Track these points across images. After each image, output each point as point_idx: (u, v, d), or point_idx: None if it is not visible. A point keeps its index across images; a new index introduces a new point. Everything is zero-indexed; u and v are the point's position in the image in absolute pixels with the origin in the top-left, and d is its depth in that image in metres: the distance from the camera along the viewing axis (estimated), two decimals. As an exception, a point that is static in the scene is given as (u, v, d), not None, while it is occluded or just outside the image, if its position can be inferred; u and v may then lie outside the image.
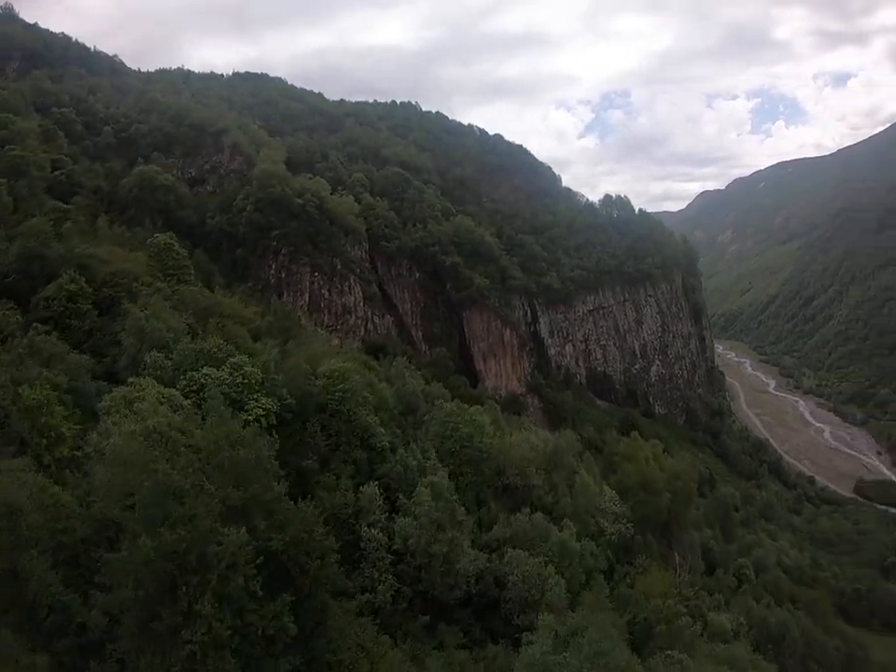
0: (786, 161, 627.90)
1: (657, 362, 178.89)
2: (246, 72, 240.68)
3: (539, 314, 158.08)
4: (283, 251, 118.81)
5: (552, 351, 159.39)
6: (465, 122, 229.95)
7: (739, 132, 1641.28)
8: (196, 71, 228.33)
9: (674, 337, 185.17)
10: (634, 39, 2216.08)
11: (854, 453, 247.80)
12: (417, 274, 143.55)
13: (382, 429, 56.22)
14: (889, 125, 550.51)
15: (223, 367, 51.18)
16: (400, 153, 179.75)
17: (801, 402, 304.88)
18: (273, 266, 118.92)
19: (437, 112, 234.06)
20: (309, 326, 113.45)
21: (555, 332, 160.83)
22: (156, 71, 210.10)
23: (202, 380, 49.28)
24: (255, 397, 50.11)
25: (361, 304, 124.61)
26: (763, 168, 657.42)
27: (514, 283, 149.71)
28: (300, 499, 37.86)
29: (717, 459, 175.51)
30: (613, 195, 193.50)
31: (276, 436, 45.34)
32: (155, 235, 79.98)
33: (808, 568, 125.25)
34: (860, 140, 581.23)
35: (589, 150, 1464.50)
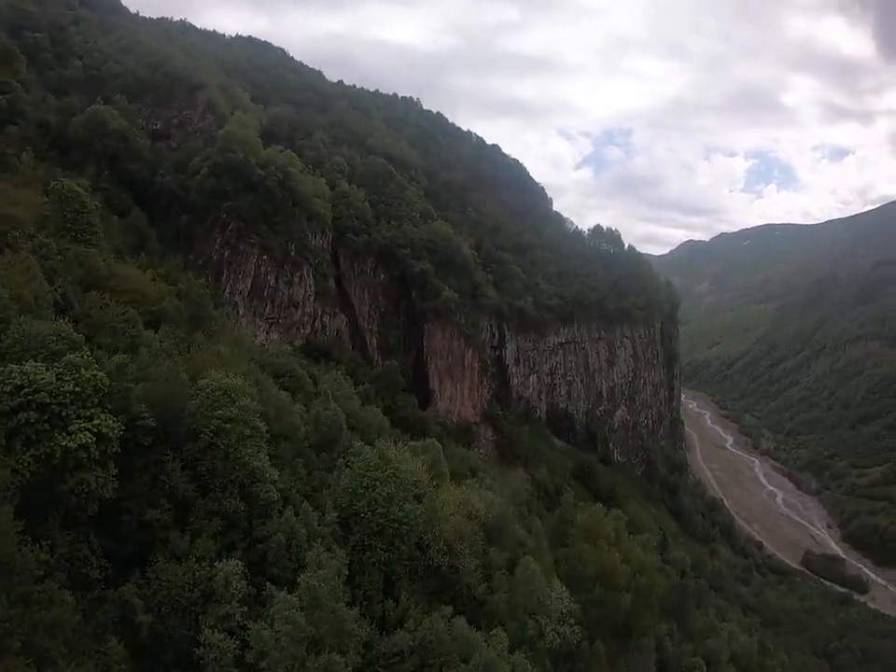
0: (774, 224, 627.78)
1: (623, 407, 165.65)
2: (249, 36, 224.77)
3: (506, 338, 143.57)
4: (231, 226, 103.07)
5: (514, 380, 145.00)
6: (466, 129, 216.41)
7: (732, 188, 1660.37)
8: (198, 27, 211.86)
9: (644, 384, 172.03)
10: (645, 81, 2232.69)
11: (804, 522, 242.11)
12: (382, 276, 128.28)
13: (275, 472, 41.56)
14: (879, 205, 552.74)
15: (55, 365, 36.31)
16: (389, 145, 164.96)
17: (757, 463, 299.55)
18: (219, 241, 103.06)
19: (437, 112, 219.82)
20: (238, 315, 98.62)
21: (521, 361, 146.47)
22: (157, 19, 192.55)
23: (15, 380, 34.46)
24: (89, 413, 35.17)
25: (311, 299, 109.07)
26: (750, 227, 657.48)
27: (486, 301, 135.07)
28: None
29: (671, 517, 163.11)
30: (604, 227, 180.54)
31: (112, 471, 35.09)
32: (59, 179, 64.14)
33: (756, 655, 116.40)
34: (849, 215, 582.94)
35: (583, 182, 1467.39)
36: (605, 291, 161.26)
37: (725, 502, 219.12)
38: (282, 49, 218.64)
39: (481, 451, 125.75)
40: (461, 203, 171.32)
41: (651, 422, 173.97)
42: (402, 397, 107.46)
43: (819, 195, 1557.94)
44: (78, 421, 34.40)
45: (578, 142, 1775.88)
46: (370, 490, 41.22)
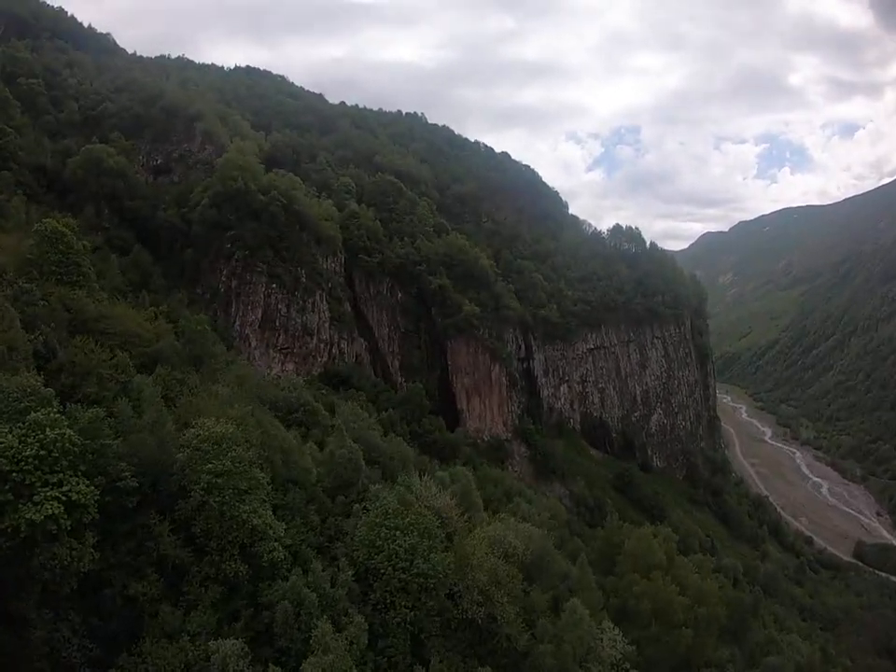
0: (791, 208, 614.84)
1: (659, 410, 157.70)
2: (248, 66, 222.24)
3: (533, 349, 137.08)
4: (236, 255, 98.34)
5: (545, 392, 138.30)
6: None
7: (745, 175, 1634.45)
8: (196, 62, 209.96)
9: (679, 384, 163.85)
10: (647, 76, 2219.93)
11: (853, 512, 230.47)
12: (399, 295, 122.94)
13: (282, 526, 36.10)
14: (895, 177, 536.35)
15: (18, 426, 31.38)
16: (396, 161, 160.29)
17: (798, 454, 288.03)
18: (225, 272, 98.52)
19: (443, 125, 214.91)
20: (251, 347, 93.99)
21: (550, 371, 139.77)
22: (155, 57, 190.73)
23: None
24: (57, 479, 30.03)
25: (326, 325, 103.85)
26: (767, 213, 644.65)
27: (509, 313, 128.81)
28: None
29: (717, 521, 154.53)
30: (623, 226, 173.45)
31: (90, 541, 30.31)
32: (42, 221, 59.76)
33: (819, 663, 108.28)
34: (865, 191, 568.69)
35: (596, 184, 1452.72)
36: (630, 292, 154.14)
37: (770, 498, 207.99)
38: (282, 77, 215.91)
39: (515, 469, 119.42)
40: (475, 215, 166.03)
41: (688, 423, 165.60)
42: (429, 420, 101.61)
43: (833, 174, 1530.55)
44: (45, 489, 29.29)
45: (587, 144, 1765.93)
46: (389, 542, 35.36)
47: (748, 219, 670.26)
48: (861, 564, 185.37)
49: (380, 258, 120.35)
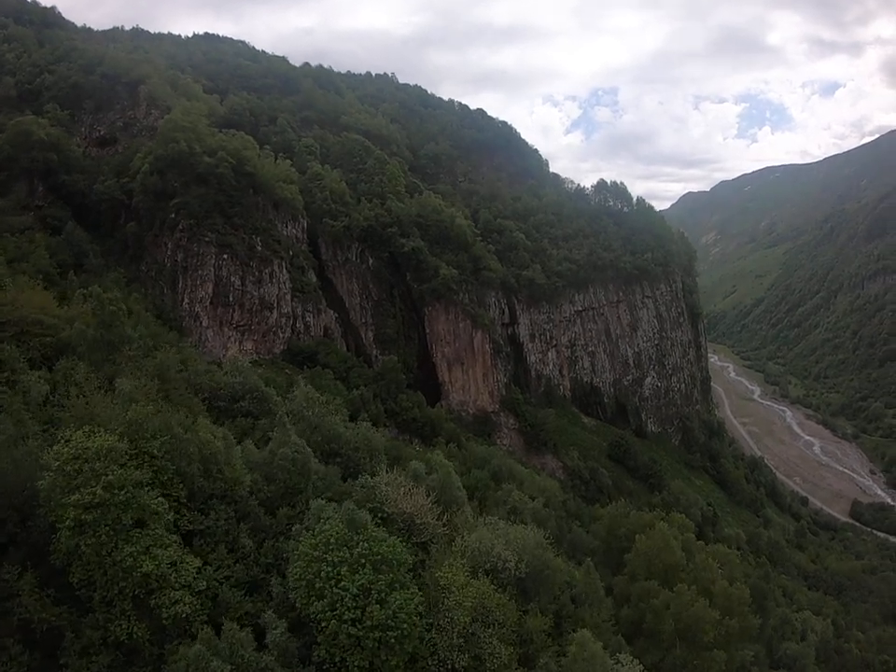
0: (772, 167, 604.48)
1: (652, 373, 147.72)
2: (206, 33, 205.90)
3: (518, 313, 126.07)
4: (180, 225, 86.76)
5: (531, 358, 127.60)
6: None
7: (725, 135, 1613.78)
8: (151, 31, 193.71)
9: (672, 345, 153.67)
10: (624, 36, 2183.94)
11: (846, 470, 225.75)
12: (370, 261, 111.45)
13: (195, 563, 25.67)
14: (877, 136, 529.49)
15: None
16: (365, 121, 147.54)
17: (788, 412, 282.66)
18: (169, 245, 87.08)
19: (415, 85, 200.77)
20: (201, 327, 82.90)
21: (537, 336, 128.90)
22: (107, 30, 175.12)
23: None
24: None
25: (288, 298, 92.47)
26: (748, 172, 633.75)
27: (490, 275, 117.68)
28: None
29: (715, 486, 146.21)
30: (608, 181, 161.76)
31: None
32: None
33: (833, 639, 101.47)
34: (846, 150, 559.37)
35: (574, 146, 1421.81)
36: (618, 249, 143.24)
37: (766, 460, 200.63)
38: (242, 42, 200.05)
39: (504, 442, 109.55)
40: (451, 175, 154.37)
41: (683, 385, 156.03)
42: (407, 396, 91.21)
43: (814, 133, 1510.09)
44: None
45: (565, 107, 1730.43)
46: (331, 585, 24.75)
47: (729, 179, 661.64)
48: (857, 524, 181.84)
49: (347, 221, 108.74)
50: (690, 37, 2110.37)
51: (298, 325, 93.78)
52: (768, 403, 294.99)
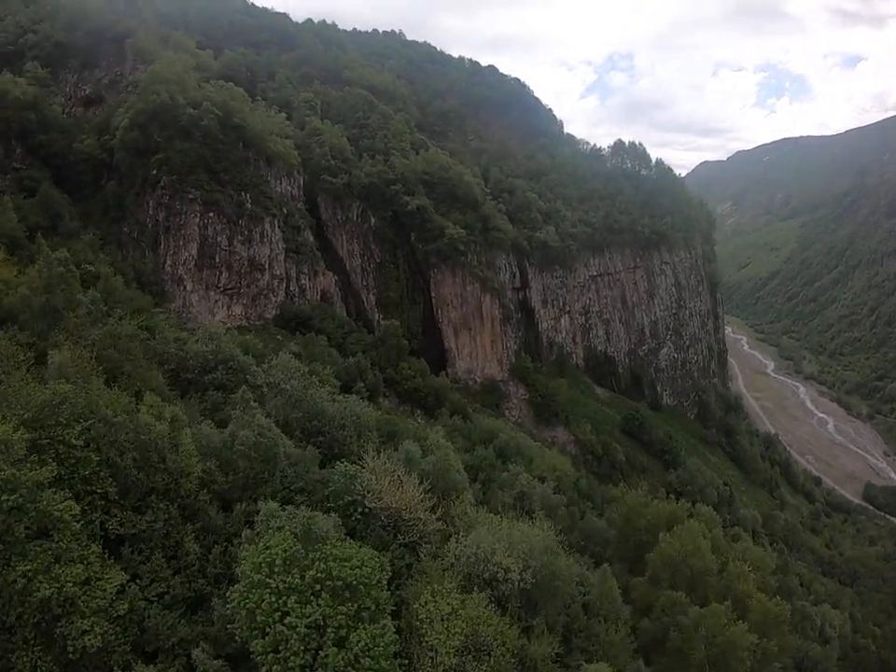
0: (791, 138, 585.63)
1: (669, 343, 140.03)
2: None
3: (529, 277, 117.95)
4: (162, 182, 79.25)
5: (543, 325, 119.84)
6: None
7: (743, 104, 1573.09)
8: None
9: (690, 315, 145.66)
10: (642, 1, 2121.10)
11: (860, 451, 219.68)
12: (373, 220, 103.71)
13: (117, 579, 19.91)
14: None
15: None
16: (369, 76, 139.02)
17: (801, 388, 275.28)
18: (151, 204, 79.62)
19: (424, 41, 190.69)
20: (185, 291, 76.13)
21: (549, 301, 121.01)
22: None
23: None
24: None
25: (281, 258, 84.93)
26: (766, 143, 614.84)
27: (500, 236, 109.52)
28: None
29: (730, 463, 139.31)
30: (626, 141, 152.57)
31: None
32: None
33: (850, 634, 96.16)
34: (868, 123, 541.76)
35: (589, 111, 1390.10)
36: (636, 213, 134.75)
37: (781, 438, 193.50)
38: (250, 3, 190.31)
39: (512, 413, 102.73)
40: (460, 133, 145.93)
41: (700, 357, 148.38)
42: (409, 364, 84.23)
43: (834, 105, 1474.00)
44: None
45: (579, 71, 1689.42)
46: (274, 618, 17.84)
47: (746, 149, 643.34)
48: (870, 507, 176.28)
49: (347, 178, 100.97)
50: (709, 3, 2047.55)
51: (292, 288, 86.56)
52: (782, 378, 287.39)
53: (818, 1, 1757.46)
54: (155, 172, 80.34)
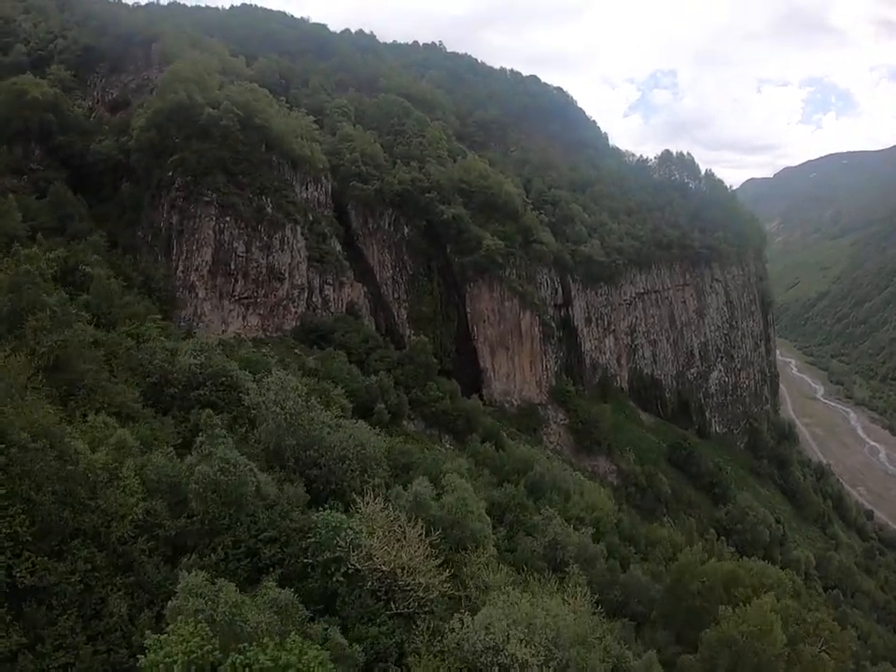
0: (839, 154, 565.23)
1: (719, 367, 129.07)
2: (243, 4, 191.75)
3: (572, 293, 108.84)
4: (176, 183, 73.15)
5: (587, 345, 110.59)
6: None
7: (789, 121, 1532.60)
8: (188, 5, 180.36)
9: (743, 336, 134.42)
10: (685, 16, 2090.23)
11: None
12: (406, 230, 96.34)
13: None
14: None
15: None
16: (406, 84, 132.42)
17: (852, 414, 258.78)
18: (165, 206, 73.68)
19: (465, 53, 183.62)
20: (197, 298, 70.00)
21: (593, 320, 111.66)
22: (144, 4, 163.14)
23: None
24: None
25: (303, 267, 77.81)
26: (813, 159, 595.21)
27: (541, 249, 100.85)
28: None
29: (782, 497, 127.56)
30: (674, 152, 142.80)
31: None
32: None
33: None
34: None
35: (633, 130, 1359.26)
36: (685, 226, 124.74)
37: (833, 468, 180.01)
38: (282, 12, 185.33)
39: (551, 440, 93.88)
40: (501, 143, 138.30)
41: (752, 382, 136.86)
42: (437, 384, 76.03)
43: (882, 119, 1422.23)
44: None
45: (622, 89, 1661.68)
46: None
47: (793, 165, 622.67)
48: None
49: (378, 184, 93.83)
50: (751, 16, 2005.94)
51: (314, 298, 79.43)
52: (831, 403, 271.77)
53: (862, 13, 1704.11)
54: (170, 173, 74.61)
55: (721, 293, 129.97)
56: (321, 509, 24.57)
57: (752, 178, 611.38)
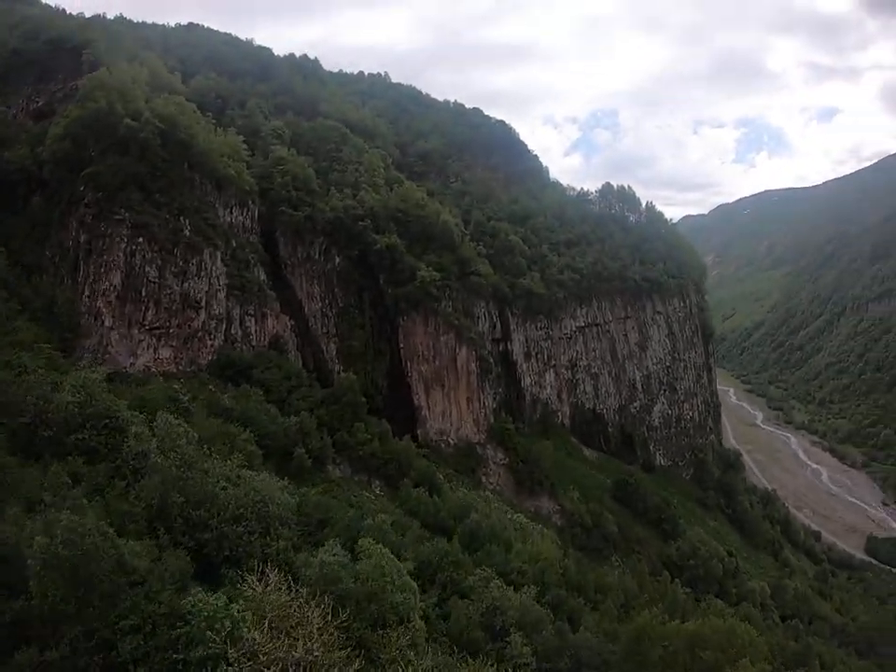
0: (771, 191, 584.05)
1: (662, 399, 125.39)
2: (189, 23, 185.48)
3: (511, 327, 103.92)
4: (87, 199, 65.90)
5: (526, 380, 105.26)
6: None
7: (723, 160, 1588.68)
8: (135, 20, 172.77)
9: (685, 368, 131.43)
10: (626, 59, 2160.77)
11: (857, 501, 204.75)
12: (337, 260, 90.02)
13: None
14: (876, 160, 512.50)
15: None
16: (347, 111, 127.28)
17: (792, 439, 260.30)
18: (74, 224, 66.21)
19: (409, 84, 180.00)
20: (103, 326, 62.52)
21: (533, 354, 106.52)
22: (91, 17, 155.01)
23: None
24: None
25: (221, 296, 70.70)
26: (747, 196, 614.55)
27: (479, 281, 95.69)
28: None
29: (730, 527, 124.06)
30: (614, 185, 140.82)
31: None
32: None
33: None
34: (844, 174, 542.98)
35: (574, 169, 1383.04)
36: (626, 259, 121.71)
37: (778, 493, 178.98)
38: (229, 34, 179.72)
39: (490, 480, 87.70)
40: (442, 175, 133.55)
41: (696, 413, 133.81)
42: (366, 424, 69.43)
43: (812, 158, 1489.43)
44: None
45: (564, 129, 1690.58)
46: None
47: (727, 202, 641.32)
48: (874, 561, 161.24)
49: (309, 210, 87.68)
50: (690, 61, 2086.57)
51: (234, 330, 72.19)
52: (771, 429, 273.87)
53: (796, 56, 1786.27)
54: (83, 188, 67.16)
55: (663, 325, 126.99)
56: (210, 583, 21.04)
57: (688, 215, 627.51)
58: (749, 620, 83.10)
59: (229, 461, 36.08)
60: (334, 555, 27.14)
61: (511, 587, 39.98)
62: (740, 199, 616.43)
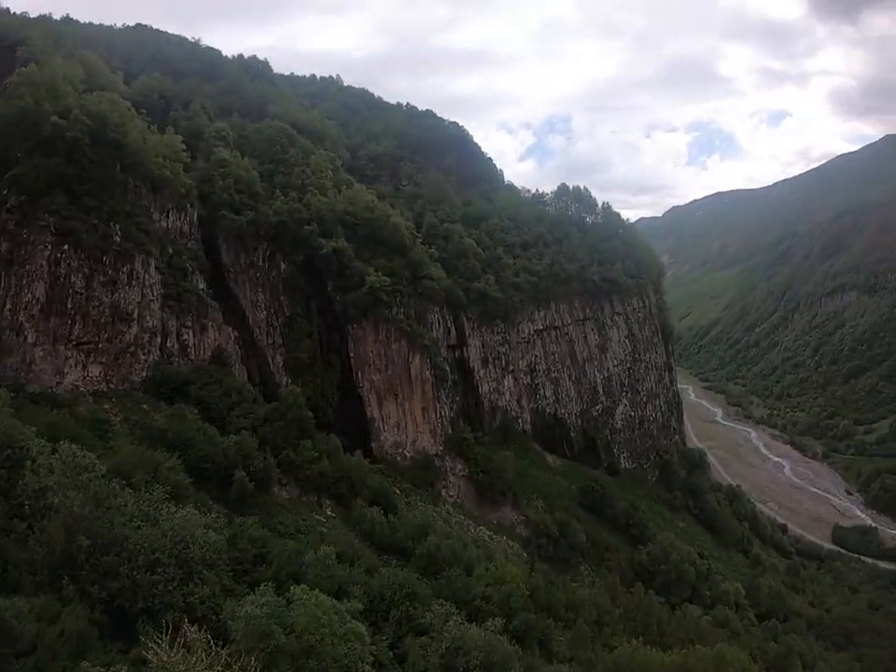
0: (723, 192, 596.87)
1: (624, 401, 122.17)
2: (137, 24, 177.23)
3: (467, 333, 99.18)
4: (9, 203, 59.81)
5: (484, 387, 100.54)
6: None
7: (676, 163, 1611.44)
8: (82, 21, 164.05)
9: (647, 368, 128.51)
10: (580, 65, 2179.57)
11: (821, 492, 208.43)
12: (282, 266, 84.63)
13: None
14: (824, 161, 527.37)
15: None
16: (294, 112, 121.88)
17: (753, 433, 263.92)
18: (-4, 230, 60.10)
19: (362, 88, 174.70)
20: (25, 342, 56.71)
21: (491, 360, 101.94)
22: (36, 17, 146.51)
23: None
24: None
25: (155, 307, 64.75)
26: (699, 198, 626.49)
27: (432, 286, 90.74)
28: None
29: (699, 527, 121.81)
30: (570, 186, 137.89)
31: None
32: None
33: None
34: (793, 175, 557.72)
35: (528, 174, 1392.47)
36: (584, 260, 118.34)
37: (742, 487, 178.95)
38: (180, 35, 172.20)
39: (450, 493, 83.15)
40: (393, 178, 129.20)
41: (659, 414, 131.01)
42: (313, 441, 64.21)
43: (761, 160, 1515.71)
44: None
45: (519, 134, 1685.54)
46: None
47: (680, 204, 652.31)
48: (842, 550, 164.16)
49: (252, 215, 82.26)
50: (644, 67, 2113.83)
51: (170, 344, 66.30)
52: (731, 425, 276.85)
53: (747, 62, 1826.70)
54: (5, 191, 60.84)
55: (623, 326, 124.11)
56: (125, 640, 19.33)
57: (643, 217, 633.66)
58: (727, 623, 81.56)
59: (148, 494, 32.20)
60: (263, 605, 23.18)
61: (475, 622, 35.74)
62: (693, 201, 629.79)
